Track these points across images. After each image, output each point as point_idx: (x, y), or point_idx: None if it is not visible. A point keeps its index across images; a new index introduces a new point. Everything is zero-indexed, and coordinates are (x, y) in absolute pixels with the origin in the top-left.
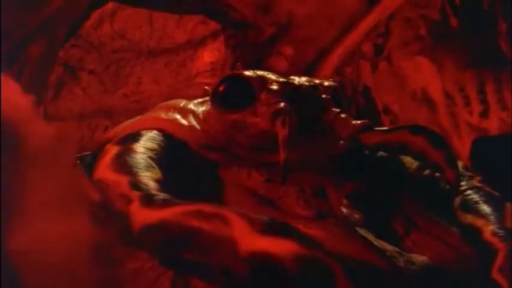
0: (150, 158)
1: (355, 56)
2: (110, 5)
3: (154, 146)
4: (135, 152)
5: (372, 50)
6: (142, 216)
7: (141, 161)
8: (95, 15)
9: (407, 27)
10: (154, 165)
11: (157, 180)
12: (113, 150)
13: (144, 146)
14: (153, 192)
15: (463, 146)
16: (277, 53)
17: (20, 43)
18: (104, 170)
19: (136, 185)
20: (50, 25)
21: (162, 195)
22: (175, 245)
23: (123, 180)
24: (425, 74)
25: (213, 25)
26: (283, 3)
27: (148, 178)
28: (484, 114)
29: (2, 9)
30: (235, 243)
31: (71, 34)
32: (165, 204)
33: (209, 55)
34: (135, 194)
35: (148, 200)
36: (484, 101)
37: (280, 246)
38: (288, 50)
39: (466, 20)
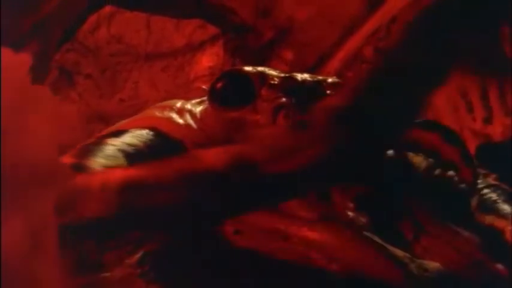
0: (122, 150)
1: (356, 60)
2: (107, 9)
3: (136, 142)
4: (105, 143)
5: (373, 53)
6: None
7: (107, 151)
8: (92, 19)
9: None
10: (121, 156)
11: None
12: (87, 141)
13: (123, 140)
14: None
15: None
16: (277, 57)
17: (14, 44)
18: (67, 157)
19: (78, 166)
20: (44, 28)
21: None
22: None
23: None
24: None
25: (212, 29)
26: (283, 7)
27: (99, 164)
28: (488, 120)
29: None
30: (105, 181)
31: (67, 38)
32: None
33: (207, 59)
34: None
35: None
36: (487, 107)
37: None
38: (288, 54)
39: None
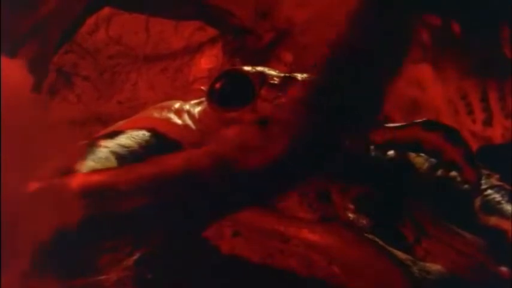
0: (114, 152)
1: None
2: (105, 10)
3: (130, 143)
4: (99, 145)
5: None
6: None
7: (99, 153)
8: (90, 20)
9: None
10: (113, 158)
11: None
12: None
13: (118, 142)
14: None
15: None
16: (277, 59)
17: (12, 46)
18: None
19: (67, 169)
20: (43, 29)
21: None
22: None
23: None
24: (427, 82)
25: (211, 31)
26: (282, 8)
27: (88, 167)
28: (487, 122)
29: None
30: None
31: (65, 39)
32: None
33: (206, 61)
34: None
35: None
36: (487, 109)
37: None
38: (288, 56)
39: (468, 26)
